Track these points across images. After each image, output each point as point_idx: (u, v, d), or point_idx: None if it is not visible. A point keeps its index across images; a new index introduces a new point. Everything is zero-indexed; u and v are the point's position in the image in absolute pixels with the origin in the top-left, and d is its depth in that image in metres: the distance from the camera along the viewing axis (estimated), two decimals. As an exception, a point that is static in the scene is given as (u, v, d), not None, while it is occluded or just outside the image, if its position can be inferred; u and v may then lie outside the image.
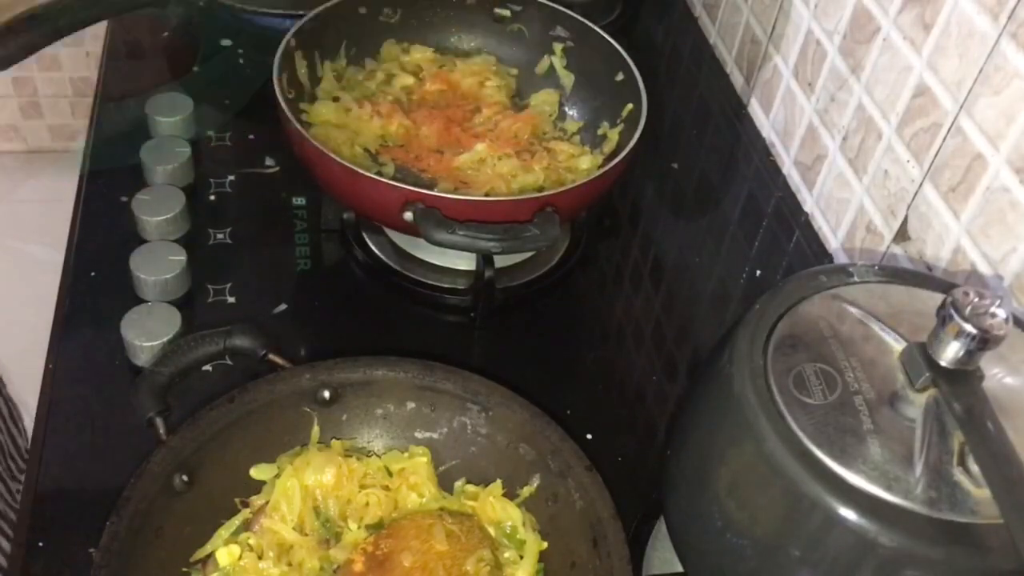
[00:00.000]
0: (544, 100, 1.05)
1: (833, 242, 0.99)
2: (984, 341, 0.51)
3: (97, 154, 1.01)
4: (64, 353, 0.83)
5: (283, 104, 0.87)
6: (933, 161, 0.82)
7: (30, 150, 2.41)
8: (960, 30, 0.78)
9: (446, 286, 0.92)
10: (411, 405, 0.73)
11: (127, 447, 0.71)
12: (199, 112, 1.01)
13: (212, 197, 0.97)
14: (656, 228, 1.05)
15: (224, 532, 0.67)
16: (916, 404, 0.54)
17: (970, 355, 0.52)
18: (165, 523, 0.64)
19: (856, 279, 0.62)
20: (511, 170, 0.94)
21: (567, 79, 1.05)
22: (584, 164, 0.97)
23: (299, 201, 0.98)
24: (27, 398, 1.08)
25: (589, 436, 0.80)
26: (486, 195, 0.91)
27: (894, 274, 0.63)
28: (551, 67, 1.06)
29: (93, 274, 0.88)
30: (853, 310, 0.59)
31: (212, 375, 0.78)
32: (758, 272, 0.98)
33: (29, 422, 1.02)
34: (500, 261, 0.90)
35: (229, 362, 0.76)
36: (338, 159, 0.84)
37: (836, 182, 0.98)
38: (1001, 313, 0.51)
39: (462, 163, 0.95)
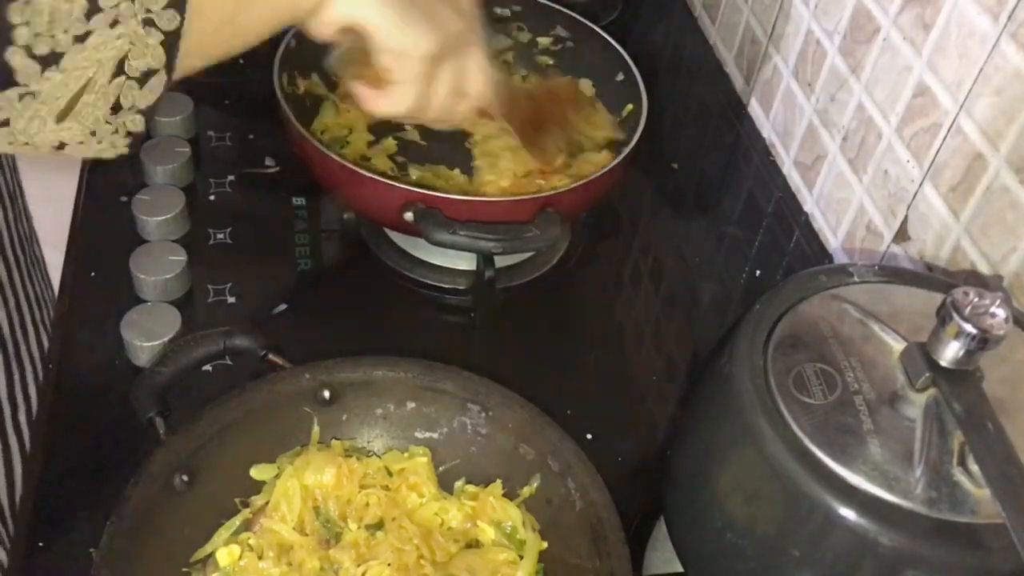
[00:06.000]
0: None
1: (833, 242, 0.99)
2: (984, 341, 0.51)
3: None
4: (64, 353, 0.83)
5: (283, 104, 0.87)
6: (933, 161, 0.82)
7: (30, 150, 2.40)
8: (960, 30, 0.78)
9: (446, 286, 0.92)
10: (411, 405, 0.73)
11: (127, 447, 0.71)
12: (199, 112, 1.01)
13: (212, 197, 0.97)
14: (656, 228, 1.05)
15: (224, 532, 0.67)
16: (916, 404, 0.54)
17: (970, 355, 0.52)
18: (165, 523, 0.64)
19: (856, 279, 0.62)
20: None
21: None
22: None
23: (299, 201, 0.98)
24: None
25: (589, 436, 0.80)
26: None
27: (894, 274, 0.63)
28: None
29: (93, 274, 0.88)
30: (853, 310, 0.59)
31: (212, 375, 0.78)
32: (758, 272, 0.98)
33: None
34: (500, 261, 0.90)
35: (229, 362, 0.76)
36: (338, 159, 0.84)
37: (836, 182, 0.98)
38: (1001, 313, 0.51)
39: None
